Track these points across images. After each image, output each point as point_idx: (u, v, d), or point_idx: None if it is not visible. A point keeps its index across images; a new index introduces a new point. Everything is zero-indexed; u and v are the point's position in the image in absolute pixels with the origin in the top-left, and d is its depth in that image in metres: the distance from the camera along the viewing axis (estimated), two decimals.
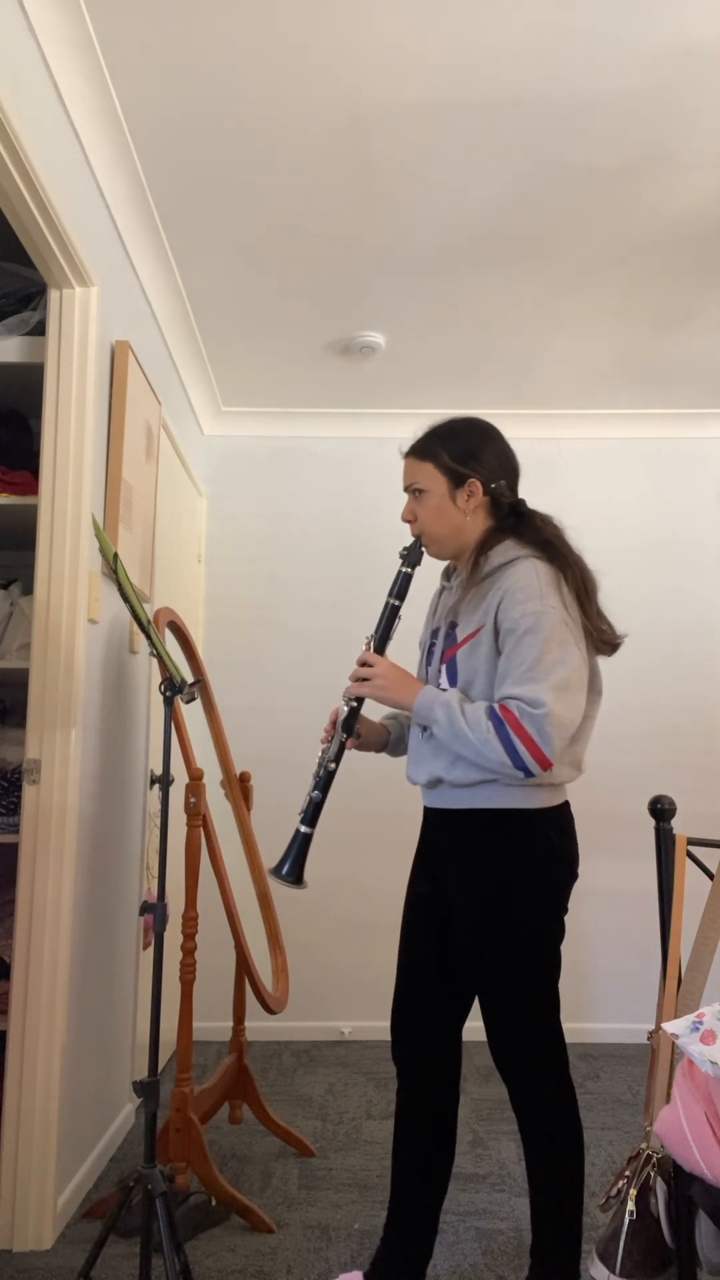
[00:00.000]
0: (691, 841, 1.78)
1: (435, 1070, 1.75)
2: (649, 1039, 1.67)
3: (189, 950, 2.14)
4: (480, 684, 1.65)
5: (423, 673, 1.82)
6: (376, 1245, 1.87)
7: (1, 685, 2.66)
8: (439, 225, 2.58)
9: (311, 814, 1.75)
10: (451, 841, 1.71)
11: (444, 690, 1.68)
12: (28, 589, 2.50)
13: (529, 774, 1.56)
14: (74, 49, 1.96)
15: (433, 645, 1.80)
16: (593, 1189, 2.24)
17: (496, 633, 1.64)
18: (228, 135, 2.23)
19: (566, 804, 1.71)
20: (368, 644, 1.76)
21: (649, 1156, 1.56)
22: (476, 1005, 1.78)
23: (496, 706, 1.58)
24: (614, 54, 1.98)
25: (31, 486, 2.33)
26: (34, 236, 1.98)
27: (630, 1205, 1.53)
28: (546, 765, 1.55)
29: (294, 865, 1.74)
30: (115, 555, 1.68)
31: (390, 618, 1.76)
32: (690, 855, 1.78)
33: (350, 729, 1.76)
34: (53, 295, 2.20)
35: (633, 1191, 1.54)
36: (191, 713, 2.80)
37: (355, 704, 1.76)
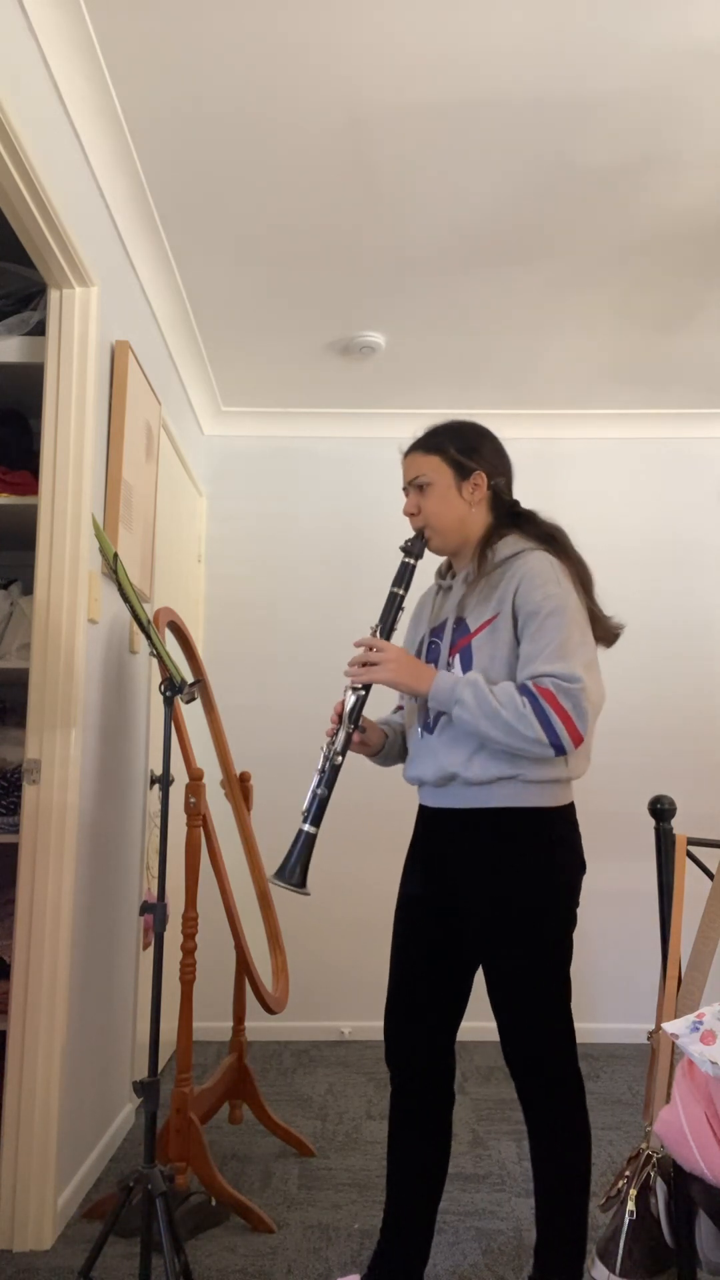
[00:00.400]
0: (691, 841, 1.78)
1: (430, 1074, 1.74)
2: (649, 1039, 1.68)
3: (189, 950, 2.14)
4: (499, 669, 1.65)
5: None
6: (374, 1246, 1.87)
7: (1, 685, 2.66)
8: (439, 225, 2.58)
9: (317, 812, 1.68)
10: (462, 842, 1.69)
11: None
12: (28, 589, 2.50)
13: (561, 752, 1.56)
14: (74, 49, 1.96)
15: (434, 644, 1.78)
16: (593, 1189, 2.23)
17: (514, 619, 1.65)
18: (228, 135, 2.23)
19: (573, 804, 1.71)
20: (373, 632, 1.74)
21: (649, 1156, 1.56)
22: (473, 1006, 1.78)
23: (529, 684, 1.58)
24: (614, 54, 1.98)
25: (31, 486, 2.33)
26: (34, 236, 1.98)
27: (630, 1205, 1.53)
28: (579, 741, 1.56)
29: (298, 869, 1.64)
30: (115, 555, 1.68)
31: (395, 606, 1.75)
32: (690, 855, 1.78)
33: (357, 719, 1.71)
34: (53, 295, 2.20)
35: (633, 1191, 1.54)
36: (191, 713, 2.80)
37: (363, 692, 1.71)
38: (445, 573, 1.87)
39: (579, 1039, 1.68)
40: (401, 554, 1.77)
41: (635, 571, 3.76)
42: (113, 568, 1.68)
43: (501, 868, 1.64)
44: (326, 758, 1.69)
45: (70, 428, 2.17)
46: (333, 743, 1.70)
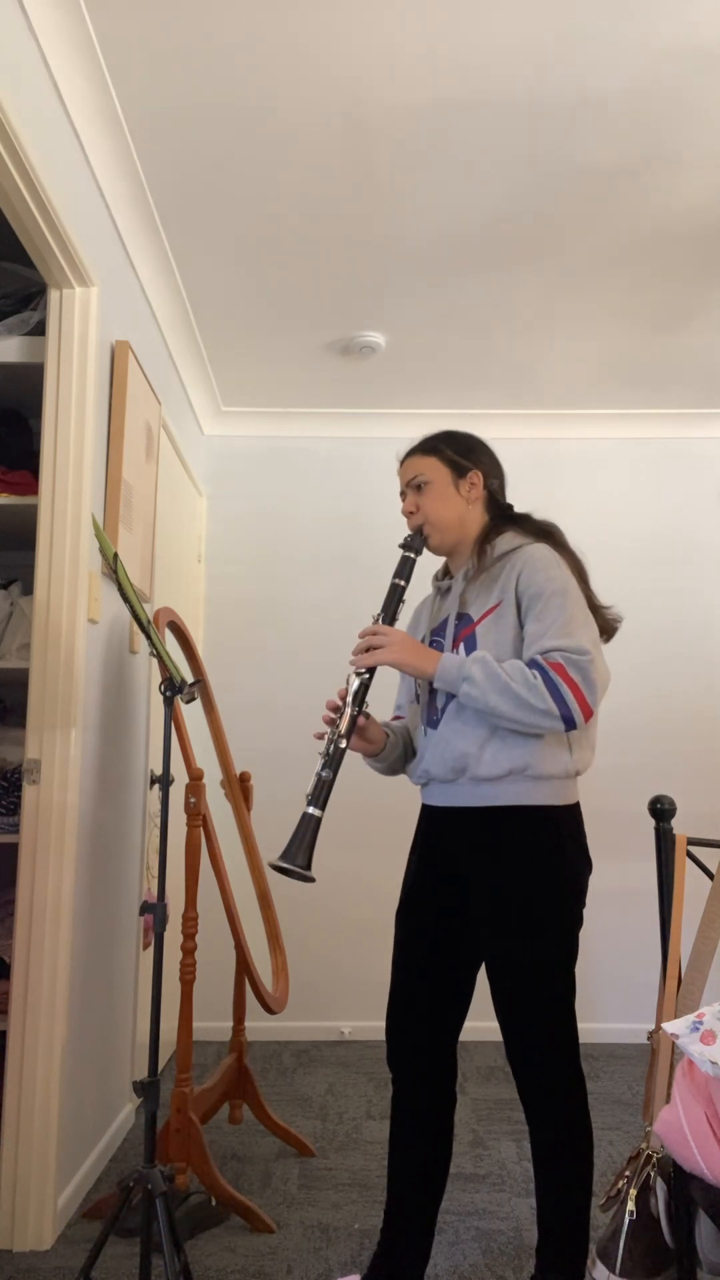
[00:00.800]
0: (691, 841, 1.78)
1: (432, 1074, 1.74)
2: (649, 1039, 1.67)
3: (189, 950, 2.14)
4: (505, 654, 1.66)
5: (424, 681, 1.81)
6: (375, 1246, 1.87)
7: (1, 685, 2.66)
8: (439, 225, 2.58)
9: (322, 795, 1.63)
10: (469, 841, 1.69)
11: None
12: (28, 589, 2.50)
13: (571, 725, 1.57)
14: (74, 49, 1.96)
15: (435, 642, 1.79)
16: (593, 1189, 2.23)
17: (517, 606, 1.67)
18: (228, 135, 2.23)
19: (579, 804, 1.72)
20: (375, 620, 1.75)
21: (649, 1156, 1.56)
22: (473, 1006, 1.78)
23: (538, 657, 1.60)
24: (614, 54, 1.98)
25: (31, 486, 2.34)
26: (34, 236, 1.98)
27: (630, 1205, 1.53)
28: (589, 714, 1.58)
29: (303, 852, 1.57)
30: (115, 555, 1.68)
31: (396, 596, 1.77)
32: (690, 855, 1.78)
33: (361, 702, 1.70)
34: (53, 295, 2.20)
35: (633, 1191, 1.54)
36: (191, 713, 2.80)
37: (367, 675, 1.70)
38: (442, 576, 1.89)
39: (580, 1039, 1.68)
40: (401, 550, 1.79)
41: (635, 571, 3.76)
42: (113, 568, 1.68)
43: (509, 866, 1.64)
44: (330, 740, 1.68)
45: (70, 428, 2.17)
46: (336, 726, 1.68)
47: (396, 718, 1.94)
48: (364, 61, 2.00)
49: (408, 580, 1.78)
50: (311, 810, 1.63)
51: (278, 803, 3.61)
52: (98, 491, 2.31)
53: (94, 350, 2.23)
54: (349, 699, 1.70)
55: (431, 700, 1.77)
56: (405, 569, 1.78)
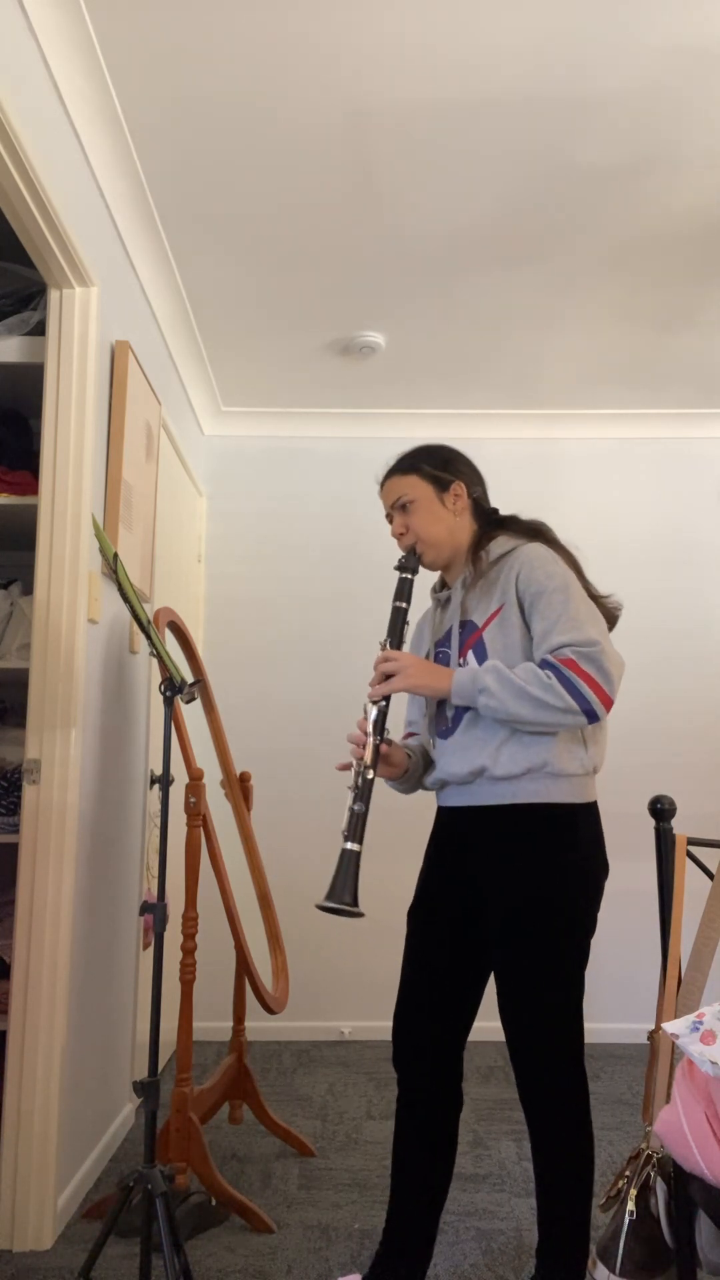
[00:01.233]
0: (691, 841, 1.78)
1: (437, 1076, 1.72)
2: (649, 1039, 1.67)
3: (189, 950, 2.14)
4: (514, 656, 1.67)
5: None
6: (376, 1246, 1.86)
7: (1, 685, 2.66)
8: (439, 225, 2.58)
9: (358, 829, 1.64)
10: (485, 840, 1.68)
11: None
12: (28, 589, 2.50)
13: (594, 718, 1.57)
14: (74, 49, 1.96)
15: (441, 653, 1.80)
16: (593, 1189, 2.23)
17: (520, 606, 1.68)
18: (228, 135, 2.24)
19: (596, 803, 1.71)
20: (383, 646, 1.76)
21: (649, 1156, 1.56)
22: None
23: (549, 657, 1.60)
24: (614, 54, 1.98)
25: (31, 486, 2.34)
26: (34, 236, 1.98)
27: (630, 1205, 1.53)
28: (609, 704, 1.57)
29: (348, 888, 1.59)
30: (115, 555, 1.68)
31: (400, 619, 1.77)
32: (690, 855, 1.78)
33: (381, 731, 1.71)
34: (53, 295, 2.20)
35: (633, 1191, 1.54)
36: (191, 713, 2.80)
37: (384, 704, 1.72)
38: (440, 587, 1.89)
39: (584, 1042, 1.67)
40: (398, 572, 1.79)
41: (635, 571, 3.76)
42: (113, 568, 1.68)
43: (524, 865, 1.63)
44: (358, 772, 1.68)
45: (70, 428, 2.17)
46: (361, 759, 1.69)
47: (410, 734, 1.93)
48: (364, 61, 2.00)
49: (409, 601, 1.78)
50: (350, 846, 1.64)
51: (278, 803, 3.62)
52: (98, 491, 2.31)
53: (94, 350, 2.23)
54: (369, 729, 1.70)
55: (440, 712, 1.78)
56: (404, 590, 1.78)
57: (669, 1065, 1.60)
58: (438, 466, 1.82)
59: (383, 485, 1.86)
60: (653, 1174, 1.54)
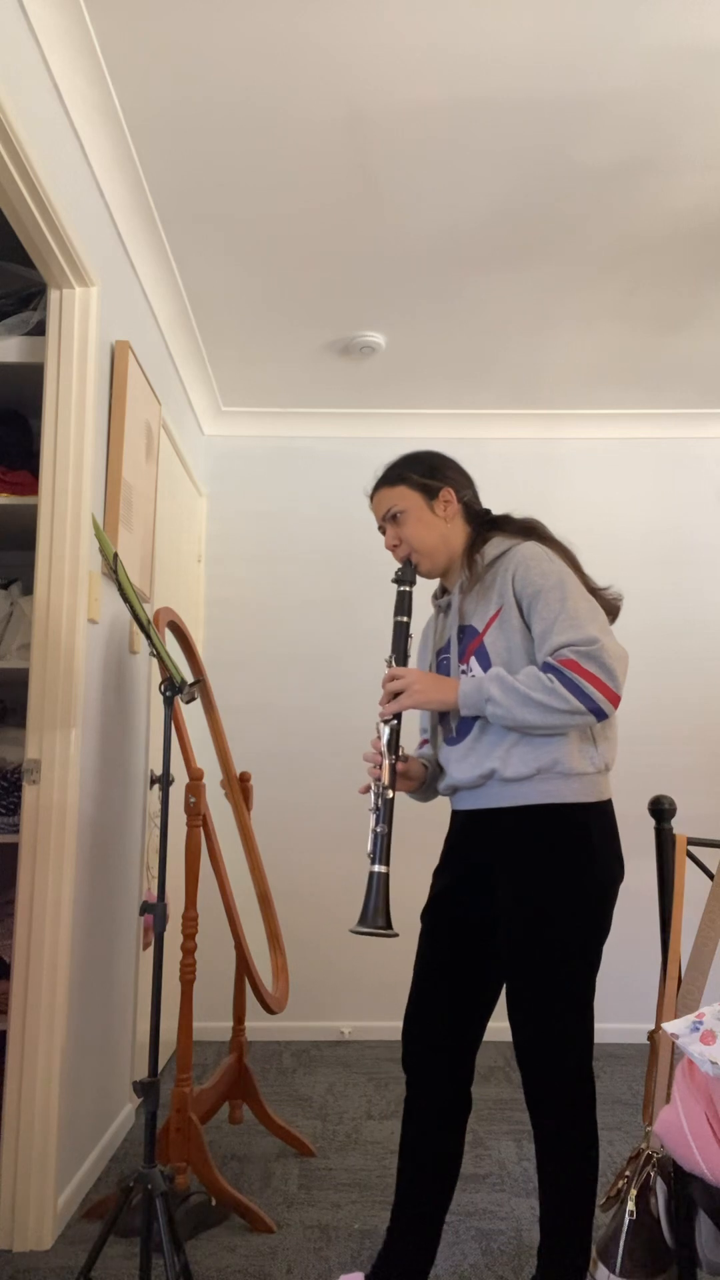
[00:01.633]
0: (691, 841, 1.78)
1: (449, 1080, 1.70)
2: (649, 1039, 1.67)
3: (189, 950, 2.14)
4: (518, 658, 1.66)
5: None
6: (376, 1245, 1.87)
7: (1, 685, 2.66)
8: (439, 225, 2.58)
9: (383, 851, 1.65)
10: (497, 842, 1.68)
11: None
12: (28, 589, 2.50)
13: (602, 716, 1.57)
14: (74, 49, 1.96)
15: (443, 660, 1.80)
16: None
17: (518, 606, 1.67)
18: (228, 135, 2.24)
19: (611, 801, 1.70)
20: (389, 664, 1.76)
21: (649, 1156, 1.56)
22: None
23: (549, 659, 1.59)
24: (614, 54, 1.98)
25: (31, 486, 2.34)
26: (34, 236, 1.98)
27: (630, 1205, 1.53)
28: (616, 700, 1.56)
29: (381, 911, 1.61)
30: (115, 555, 1.68)
31: (402, 633, 1.78)
32: (690, 855, 1.78)
33: (396, 749, 1.71)
34: (53, 295, 2.20)
35: (633, 1191, 1.54)
36: (191, 713, 2.80)
37: (395, 722, 1.72)
38: (440, 594, 1.89)
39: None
40: (396, 585, 1.79)
41: (635, 571, 3.76)
42: (113, 568, 1.68)
43: (536, 866, 1.62)
44: (377, 794, 1.69)
45: (70, 428, 2.17)
46: (379, 780, 1.70)
47: (424, 742, 1.93)
48: (364, 61, 2.00)
49: (409, 614, 1.78)
50: (377, 868, 1.65)
51: (278, 803, 3.62)
52: (98, 491, 2.31)
53: (94, 350, 2.23)
54: (384, 749, 1.71)
55: (444, 719, 1.78)
56: (404, 604, 1.78)
57: (669, 1065, 1.60)
58: (424, 474, 1.81)
59: (372, 498, 1.86)
60: (653, 1174, 1.54)
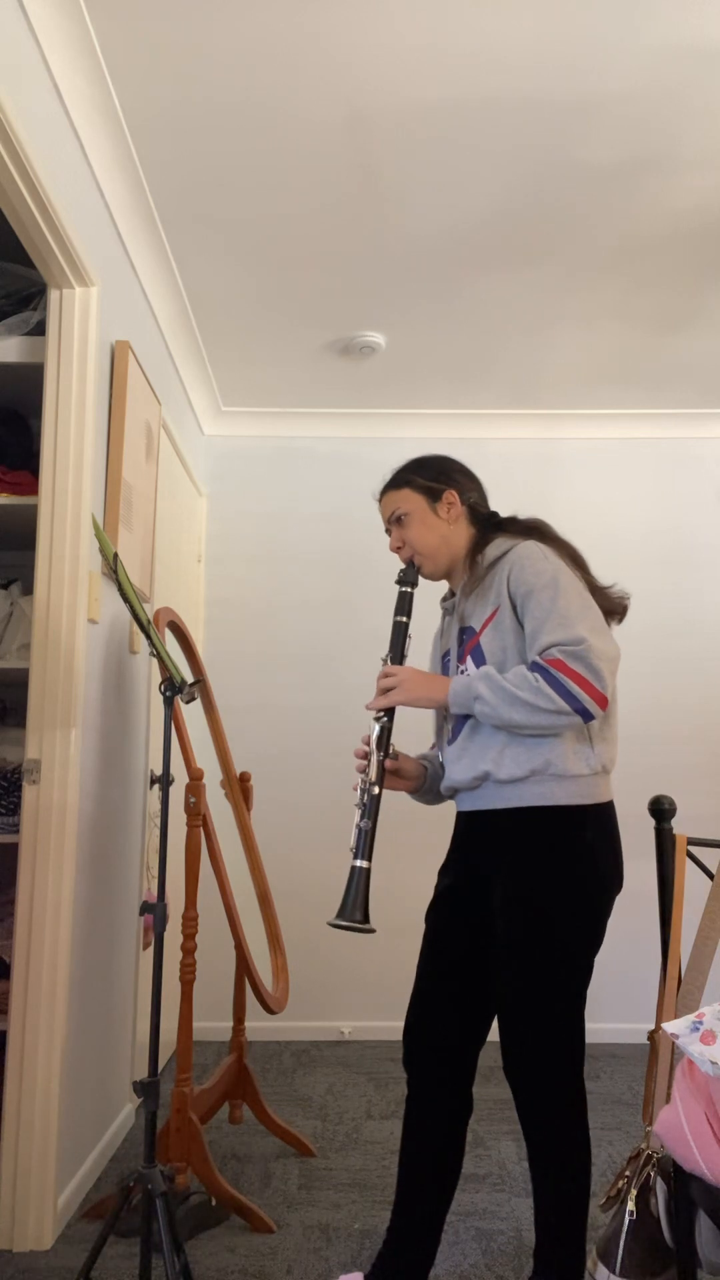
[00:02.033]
0: (691, 841, 1.78)
1: (450, 1080, 1.70)
2: (649, 1039, 1.67)
3: (189, 950, 2.14)
4: (513, 658, 1.66)
5: None
6: (376, 1245, 1.87)
7: (1, 685, 2.66)
8: (439, 225, 2.58)
9: (365, 846, 1.65)
10: (492, 844, 1.68)
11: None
12: (28, 589, 2.50)
13: (589, 717, 1.56)
14: (74, 49, 1.96)
15: (447, 661, 1.82)
16: (593, 1189, 2.23)
17: (514, 607, 1.67)
18: (228, 135, 2.24)
19: (612, 803, 1.69)
20: (384, 662, 1.77)
21: (649, 1156, 1.56)
22: None
23: (537, 659, 1.59)
24: (614, 54, 1.98)
25: (31, 486, 2.33)
26: (34, 236, 1.98)
27: (630, 1205, 1.53)
28: (603, 702, 1.55)
29: (359, 906, 1.61)
30: (115, 555, 1.68)
31: (400, 633, 1.79)
32: (690, 855, 1.78)
33: (385, 746, 1.72)
34: (53, 295, 2.20)
35: (633, 1191, 1.54)
36: (191, 713, 2.80)
37: (385, 718, 1.72)
38: (447, 598, 1.89)
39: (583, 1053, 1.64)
40: (398, 586, 1.80)
41: (635, 571, 3.74)
42: (113, 568, 1.68)
43: (527, 870, 1.61)
44: (363, 789, 1.69)
45: (70, 428, 2.17)
46: (366, 775, 1.70)
47: (435, 745, 1.93)
48: (364, 61, 2.00)
49: (409, 615, 1.79)
50: (359, 863, 1.64)
51: (278, 803, 3.62)
52: (98, 491, 2.31)
53: (94, 350, 2.23)
54: (373, 745, 1.71)
55: (445, 721, 1.79)
56: (405, 604, 1.79)
57: (669, 1065, 1.60)
58: (429, 477, 1.83)
59: (379, 501, 1.89)
60: (653, 1174, 1.54)
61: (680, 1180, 1.46)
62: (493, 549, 1.76)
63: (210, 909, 2.49)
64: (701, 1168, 1.32)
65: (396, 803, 2.93)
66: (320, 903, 3.54)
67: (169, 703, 1.72)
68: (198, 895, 2.20)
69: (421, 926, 1.83)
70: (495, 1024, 1.78)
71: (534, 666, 1.59)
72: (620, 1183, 1.58)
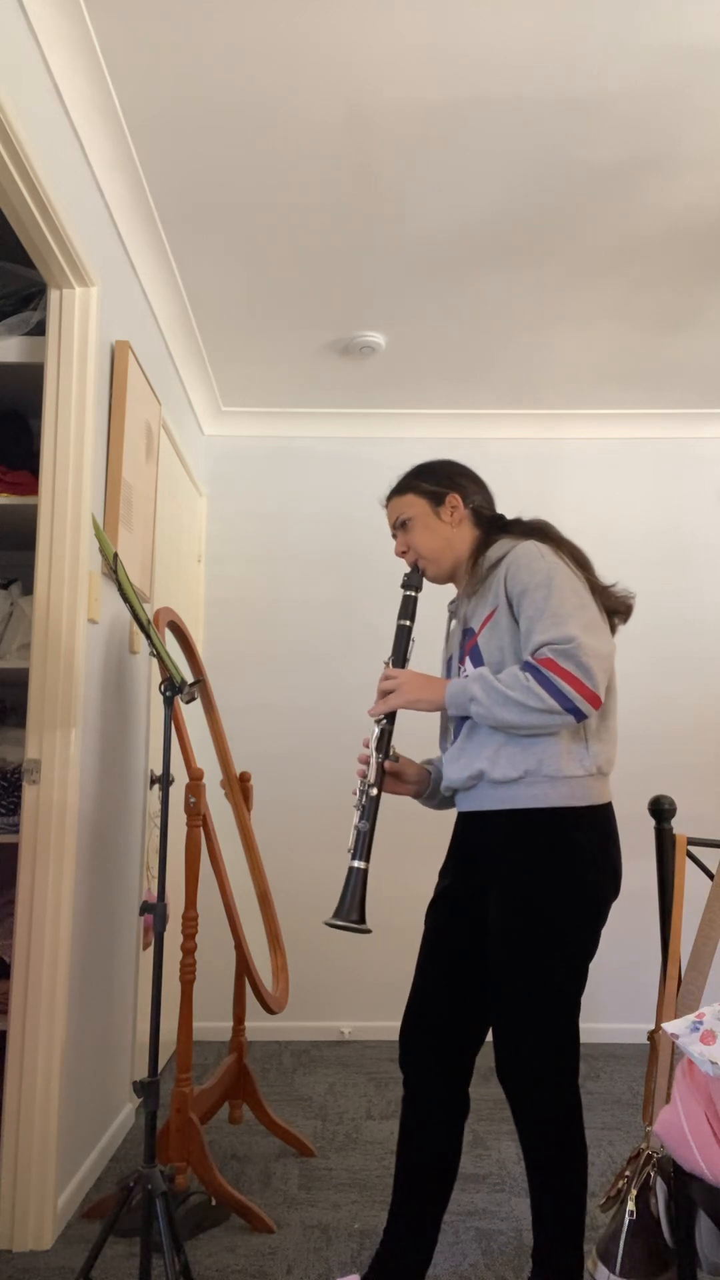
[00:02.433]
0: (691, 841, 1.78)
1: (447, 1080, 1.70)
2: (649, 1039, 1.67)
3: (189, 950, 2.14)
4: (509, 659, 1.66)
5: None
6: (376, 1245, 1.86)
7: (1, 685, 2.66)
8: (439, 225, 2.58)
9: (363, 847, 1.65)
10: (487, 844, 1.68)
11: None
12: (28, 589, 2.50)
13: (580, 716, 1.55)
14: (74, 49, 1.96)
15: (451, 662, 1.83)
16: (593, 1189, 2.24)
17: (510, 606, 1.67)
18: (228, 135, 2.24)
19: (609, 806, 1.68)
20: (386, 665, 1.78)
21: (649, 1156, 1.57)
22: None
23: (529, 658, 1.59)
24: (614, 54, 1.98)
25: (31, 486, 2.34)
26: (34, 236, 1.98)
27: (630, 1205, 1.53)
28: (595, 701, 1.54)
29: (355, 906, 1.62)
30: (115, 555, 1.68)
31: (403, 637, 1.79)
32: (690, 855, 1.78)
33: (385, 749, 1.72)
34: (53, 295, 2.20)
35: (633, 1191, 1.54)
36: (191, 713, 2.80)
37: (386, 722, 1.73)
38: (455, 601, 1.90)
39: (580, 1039, 1.64)
40: (403, 590, 1.81)
41: (635, 571, 3.74)
42: (113, 568, 1.68)
43: (520, 872, 1.61)
44: (362, 790, 1.70)
45: (70, 428, 2.17)
46: (365, 776, 1.71)
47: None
48: (364, 61, 2.00)
49: (413, 619, 1.80)
50: (356, 864, 1.65)
51: (278, 803, 3.62)
52: (98, 491, 2.31)
53: (94, 350, 2.23)
54: (373, 747, 1.72)
55: (445, 723, 1.80)
56: (408, 608, 1.80)
57: (669, 1065, 1.60)
58: (433, 482, 1.84)
59: (385, 508, 1.91)
60: (653, 1174, 1.54)
61: (680, 1180, 1.46)
62: (494, 550, 1.77)
63: (210, 909, 2.49)
64: (701, 1168, 1.32)
65: (397, 804, 2.93)
66: (320, 903, 3.55)
67: (169, 703, 1.72)
68: (198, 895, 2.20)
69: (421, 927, 1.83)
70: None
71: (525, 666, 1.59)
72: (620, 1183, 1.58)
